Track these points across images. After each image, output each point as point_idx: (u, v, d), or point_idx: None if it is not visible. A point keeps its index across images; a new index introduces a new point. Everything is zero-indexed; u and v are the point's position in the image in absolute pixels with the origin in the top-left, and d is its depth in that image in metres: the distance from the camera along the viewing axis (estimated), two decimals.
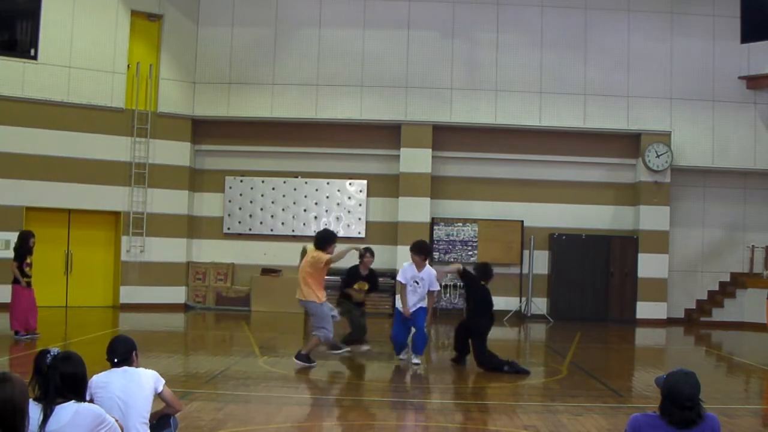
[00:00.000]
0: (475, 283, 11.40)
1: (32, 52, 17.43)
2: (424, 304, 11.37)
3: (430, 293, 11.41)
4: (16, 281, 12.76)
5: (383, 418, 8.30)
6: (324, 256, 10.87)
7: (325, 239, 11.08)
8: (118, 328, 15.57)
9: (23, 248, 12.83)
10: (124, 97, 18.32)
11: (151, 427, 5.26)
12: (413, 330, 11.45)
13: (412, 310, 11.25)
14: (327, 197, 19.54)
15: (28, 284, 12.80)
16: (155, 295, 18.56)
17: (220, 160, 19.73)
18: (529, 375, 10.95)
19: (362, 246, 12.75)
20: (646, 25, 19.40)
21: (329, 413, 8.47)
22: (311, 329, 11.19)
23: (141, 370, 5.21)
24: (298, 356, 10.89)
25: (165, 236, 18.76)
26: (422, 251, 11.40)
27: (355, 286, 12.30)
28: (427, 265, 11.45)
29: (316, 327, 10.97)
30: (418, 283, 11.29)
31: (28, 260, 12.83)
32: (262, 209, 19.56)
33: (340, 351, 11.56)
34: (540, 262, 19.25)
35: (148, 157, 18.53)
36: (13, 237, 16.76)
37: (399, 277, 11.46)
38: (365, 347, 12.13)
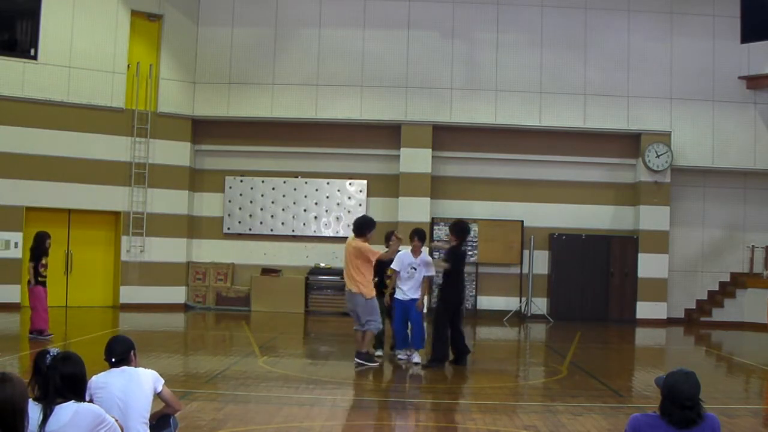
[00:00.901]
0: (462, 256, 11.52)
1: (32, 52, 17.43)
2: (418, 295, 11.38)
3: (425, 279, 11.46)
4: (35, 282, 12.73)
5: (383, 418, 8.30)
6: (367, 248, 10.86)
7: (364, 225, 11.09)
8: (118, 328, 15.57)
9: (39, 249, 12.81)
10: (124, 97, 18.31)
11: (151, 427, 5.26)
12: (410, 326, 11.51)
13: (406, 298, 11.31)
14: (327, 197, 19.54)
15: (43, 284, 12.79)
16: (155, 295, 18.56)
17: (220, 160, 19.73)
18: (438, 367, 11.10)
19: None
20: (646, 25, 19.40)
21: (329, 413, 8.46)
22: (357, 324, 11.09)
23: (140, 369, 5.21)
24: (359, 355, 10.95)
25: (165, 236, 18.76)
26: (424, 237, 11.61)
27: (388, 272, 11.94)
28: (423, 252, 11.64)
29: (366, 321, 10.92)
30: (415, 269, 11.38)
31: (44, 261, 12.83)
32: (262, 209, 19.56)
33: (373, 364, 11.14)
34: (540, 262, 19.25)
35: (148, 157, 18.53)
36: (13, 237, 16.90)
37: (394, 265, 11.48)
38: (378, 353, 11.73)
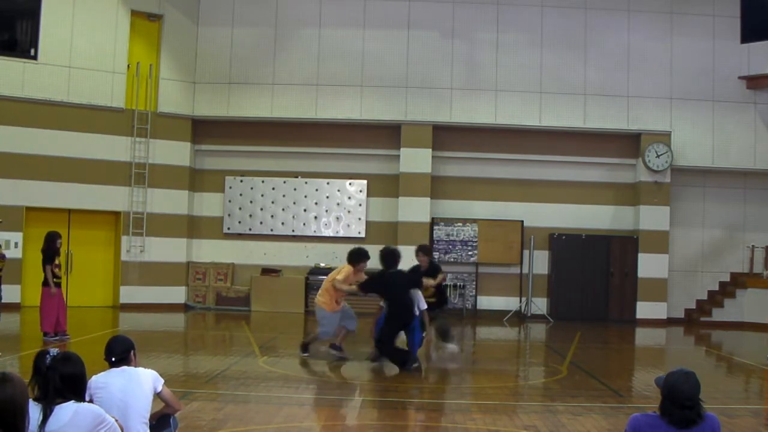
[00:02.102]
0: (384, 281, 11.03)
1: (32, 52, 17.43)
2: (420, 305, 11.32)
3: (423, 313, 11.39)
4: (45, 283, 12.68)
5: (383, 418, 8.30)
6: (336, 276, 11.36)
7: (353, 255, 11.43)
8: (118, 328, 15.57)
9: (51, 249, 12.75)
10: (124, 97, 18.31)
11: (151, 427, 5.26)
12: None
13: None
14: (327, 197, 19.54)
15: (57, 285, 12.78)
16: (155, 295, 18.56)
17: (220, 160, 19.73)
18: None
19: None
20: (646, 25, 19.40)
21: (329, 413, 8.47)
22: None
23: (140, 369, 5.21)
24: (333, 347, 11.58)
25: (165, 236, 18.75)
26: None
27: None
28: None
29: (319, 328, 11.71)
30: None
31: (57, 261, 12.81)
32: (262, 209, 19.56)
33: (341, 354, 11.60)
34: (540, 262, 19.25)
35: (148, 157, 18.53)
36: (13, 237, 16.88)
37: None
38: (451, 346, 12.17)
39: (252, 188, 19.57)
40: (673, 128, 19.18)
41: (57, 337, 12.56)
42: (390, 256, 11.18)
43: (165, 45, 18.87)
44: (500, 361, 13.26)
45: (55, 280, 12.70)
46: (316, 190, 19.55)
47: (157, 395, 5.26)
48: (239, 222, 19.61)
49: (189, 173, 19.27)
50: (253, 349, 12.83)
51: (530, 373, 12.26)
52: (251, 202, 19.56)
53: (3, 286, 12.66)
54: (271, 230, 19.57)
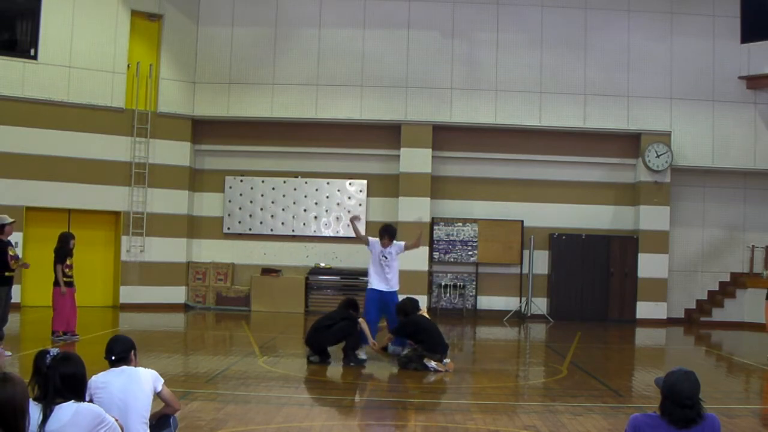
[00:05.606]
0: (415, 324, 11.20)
1: (32, 52, 17.44)
2: (397, 284, 11.74)
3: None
4: (57, 283, 12.71)
5: (383, 418, 8.30)
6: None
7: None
8: (118, 328, 15.57)
9: (64, 250, 12.77)
10: (124, 97, 18.32)
11: (151, 427, 5.26)
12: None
13: (386, 288, 11.75)
14: (327, 197, 19.54)
15: (69, 284, 12.78)
16: (155, 295, 18.56)
17: (220, 160, 19.74)
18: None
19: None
20: (646, 25, 19.41)
21: (329, 413, 8.47)
22: None
23: (140, 369, 5.22)
24: None
25: (165, 236, 18.76)
26: (389, 232, 11.89)
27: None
28: (395, 242, 11.97)
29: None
30: (386, 258, 11.76)
31: (69, 261, 12.81)
32: (262, 209, 19.57)
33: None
34: (540, 262, 19.25)
35: (148, 157, 18.54)
36: (13, 237, 16.80)
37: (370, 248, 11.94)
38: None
39: (252, 188, 19.57)
40: (673, 128, 19.18)
41: (66, 337, 12.57)
42: (414, 305, 11.47)
43: (165, 45, 18.87)
44: (500, 361, 13.26)
45: (66, 279, 12.73)
46: (316, 190, 19.56)
47: (157, 395, 5.26)
48: (239, 222, 19.61)
49: (189, 173, 19.28)
50: (253, 349, 12.83)
51: (530, 373, 12.26)
52: (251, 202, 19.57)
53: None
54: (271, 230, 19.58)
